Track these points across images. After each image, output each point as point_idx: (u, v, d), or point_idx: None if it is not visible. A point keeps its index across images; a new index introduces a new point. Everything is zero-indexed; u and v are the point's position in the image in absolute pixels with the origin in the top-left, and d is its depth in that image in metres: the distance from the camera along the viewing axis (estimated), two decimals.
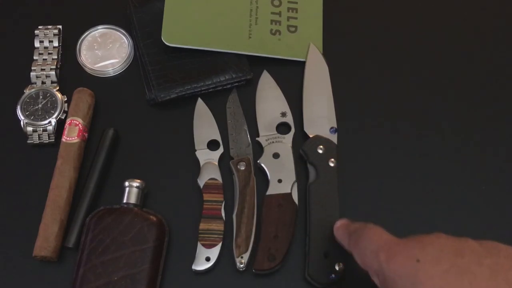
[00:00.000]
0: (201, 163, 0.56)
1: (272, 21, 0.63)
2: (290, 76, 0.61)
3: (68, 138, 0.56)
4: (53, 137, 0.57)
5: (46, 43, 0.61)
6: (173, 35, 0.60)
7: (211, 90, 0.60)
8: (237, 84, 0.61)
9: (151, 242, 0.51)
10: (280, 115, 0.59)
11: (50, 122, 0.57)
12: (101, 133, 0.57)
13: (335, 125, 0.58)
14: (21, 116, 0.57)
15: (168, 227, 0.53)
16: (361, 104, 0.61)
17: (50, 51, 0.61)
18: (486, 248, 0.38)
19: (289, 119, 0.59)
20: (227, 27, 0.62)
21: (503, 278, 0.35)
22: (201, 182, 0.55)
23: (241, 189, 0.54)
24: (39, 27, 0.62)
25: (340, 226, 0.48)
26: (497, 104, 0.61)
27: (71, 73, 0.61)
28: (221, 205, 0.54)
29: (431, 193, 0.56)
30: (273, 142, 0.57)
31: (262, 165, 0.56)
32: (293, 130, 0.58)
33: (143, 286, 0.49)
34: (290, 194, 0.54)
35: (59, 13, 0.64)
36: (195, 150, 0.57)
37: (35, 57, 0.60)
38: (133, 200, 0.53)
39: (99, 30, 0.64)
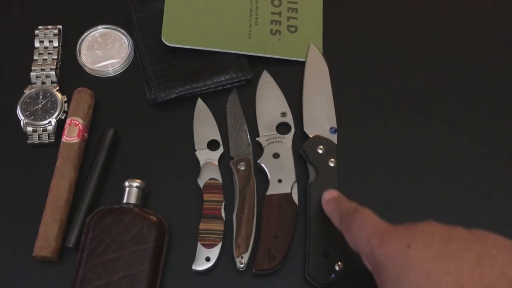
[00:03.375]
0: (201, 163, 0.56)
1: (272, 21, 0.63)
2: (290, 76, 0.61)
3: (68, 138, 0.56)
4: (53, 137, 0.57)
5: (46, 43, 0.61)
6: (173, 35, 0.60)
7: (211, 90, 0.60)
8: (237, 84, 0.61)
9: (151, 242, 0.51)
10: (280, 115, 0.59)
11: (50, 122, 0.57)
12: (101, 133, 0.57)
13: (335, 125, 0.58)
14: (21, 116, 0.57)
15: (168, 227, 0.53)
16: (361, 104, 0.61)
17: (50, 51, 0.61)
18: (475, 236, 0.39)
19: (289, 119, 0.59)
20: (227, 27, 0.62)
21: (489, 263, 0.36)
22: (201, 182, 0.55)
23: (241, 189, 0.54)
24: (39, 27, 0.62)
25: (330, 200, 0.50)
26: (497, 104, 0.61)
27: (71, 73, 0.61)
28: (221, 205, 0.54)
29: (432, 193, 0.56)
30: (273, 142, 0.57)
31: (262, 165, 0.56)
32: (293, 130, 0.58)
33: (143, 286, 0.49)
34: (290, 194, 0.54)
35: (59, 13, 0.64)
36: (195, 150, 0.57)
37: (35, 57, 0.60)
38: (133, 200, 0.53)
39: (99, 30, 0.64)
